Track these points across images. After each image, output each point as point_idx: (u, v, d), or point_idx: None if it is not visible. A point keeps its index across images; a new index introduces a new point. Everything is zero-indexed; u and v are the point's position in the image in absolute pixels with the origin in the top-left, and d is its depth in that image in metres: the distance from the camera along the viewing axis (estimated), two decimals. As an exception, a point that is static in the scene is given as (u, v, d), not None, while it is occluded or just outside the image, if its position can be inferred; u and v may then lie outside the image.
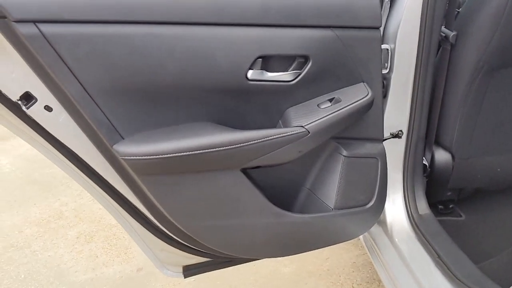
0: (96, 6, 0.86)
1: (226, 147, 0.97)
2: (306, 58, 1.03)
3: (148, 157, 0.93)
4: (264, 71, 1.02)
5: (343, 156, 1.14)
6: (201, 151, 0.95)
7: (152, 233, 1.23)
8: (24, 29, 0.82)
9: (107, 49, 0.89)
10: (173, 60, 0.94)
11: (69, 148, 1.02)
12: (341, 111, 1.04)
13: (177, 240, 1.24)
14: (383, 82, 1.28)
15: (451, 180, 1.57)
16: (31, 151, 1.09)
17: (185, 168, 0.99)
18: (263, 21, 0.97)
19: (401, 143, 1.41)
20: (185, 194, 1.03)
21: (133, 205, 1.16)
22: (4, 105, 0.93)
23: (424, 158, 1.52)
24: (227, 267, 1.46)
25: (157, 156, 0.93)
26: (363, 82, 1.11)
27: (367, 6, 1.03)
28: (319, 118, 1.03)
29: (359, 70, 1.09)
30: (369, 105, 1.08)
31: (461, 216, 1.65)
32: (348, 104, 1.05)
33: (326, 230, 1.21)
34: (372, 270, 2.13)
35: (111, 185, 1.10)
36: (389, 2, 1.30)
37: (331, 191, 1.16)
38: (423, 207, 1.47)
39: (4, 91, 0.91)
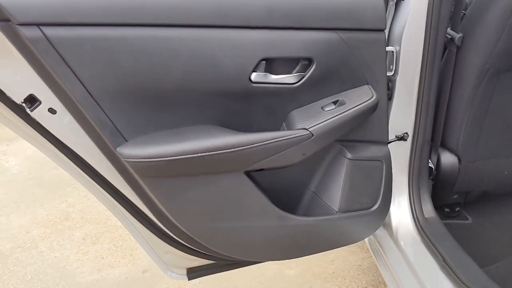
0: (99, 9, 0.86)
1: (230, 150, 0.97)
2: (310, 61, 1.03)
3: (151, 159, 0.93)
4: (268, 74, 1.02)
5: (348, 159, 1.14)
6: (204, 154, 0.95)
7: (156, 235, 1.23)
8: (28, 32, 0.82)
9: (110, 51, 0.89)
10: (176, 63, 0.94)
11: (72, 150, 1.02)
12: (345, 113, 1.04)
13: (181, 242, 1.24)
14: (388, 84, 1.27)
15: (457, 183, 1.56)
16: (39, 152, 1.09)
17: (189, 170, 0.99)
18: (267, 23, 0.97)
19: (406, 145, 1.40)
20: (188, 197, 1.03)
21: (137, 207, 1.16)
22: (9, 108, 0.93)
23: (430, 160, 1.51)
24: (231, 269, 1.46)
25: (160, 159, 0.93)
26: (368, 84, 1.10)
27: (372, 8, 1.03)
28: (323, 120, 1.03)
29: (363, 72, 1.09)
30: (373, 108, 1.08)
31: (467, 219, 1.63)
32: (353, 106, 1.05)
33: (330, 233, 1.21)
34: (378, 273, 2.11)
35: (114, 187, 1.10)
36: (394, 4, 1.29)
37: (336, 194, 1.16)
38: (428, 210, 1.45)
39: (8, 94, 0.91)
